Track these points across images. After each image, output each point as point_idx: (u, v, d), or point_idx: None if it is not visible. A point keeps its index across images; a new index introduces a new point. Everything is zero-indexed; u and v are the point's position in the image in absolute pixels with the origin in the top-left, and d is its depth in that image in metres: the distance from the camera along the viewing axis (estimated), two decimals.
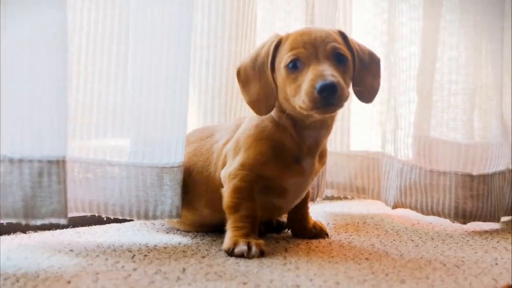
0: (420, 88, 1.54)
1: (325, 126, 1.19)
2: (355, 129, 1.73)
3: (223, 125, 1.34)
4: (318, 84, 1.05)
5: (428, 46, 1.53)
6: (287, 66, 1.12)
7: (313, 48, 1.11)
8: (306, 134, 1.18)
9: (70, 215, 1.32)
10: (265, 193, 1.19)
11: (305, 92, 1.07)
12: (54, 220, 1.05)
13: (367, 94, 1.20)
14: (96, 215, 1.24)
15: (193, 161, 1.26)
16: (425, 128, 1.54)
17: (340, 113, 1.67)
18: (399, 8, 1.57)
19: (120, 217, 1.23)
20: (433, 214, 1.49)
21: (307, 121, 1.16)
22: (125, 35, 1.23)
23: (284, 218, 1.37)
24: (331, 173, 1.68)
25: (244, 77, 1.19)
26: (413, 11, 1.55)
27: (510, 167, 1.58)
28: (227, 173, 1.18)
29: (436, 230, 1.43)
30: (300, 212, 1.31)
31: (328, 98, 1.05)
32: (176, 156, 1.22)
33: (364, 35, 1.71)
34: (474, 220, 1.47)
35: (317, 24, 1.54)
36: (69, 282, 0.92)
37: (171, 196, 1.21)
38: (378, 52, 1.63)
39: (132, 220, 1.37)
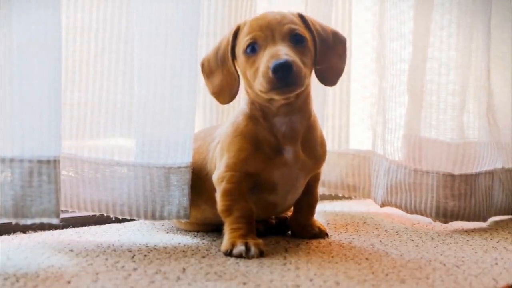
0: (411, 87, 1.54)
1: (297, 111, 1.17)
2: (348, 128, 1.73)
3: (222, 124, 1.34)
4: (272, 64, 1.05)
5: (419, 45, 1.53)
6: (245, 50, 1.13)
7: (270, 31, 1.12)
8: (278, 122, 1.17)
9: (71, 215, 1.33)
10: (256, 190, 1.19)
11: (261, 74, 1.08)
12: (45, 220, 1.05)
13: (330, 75, 1.20)
14: (98, 214, 1.24)
15: (195, 159, 1.26)
16: (415, 128, 1.54)
17: (331, 112, 1.68)
18: (391, 9, 1.57)
19: (128, 217, 1.24)
20: (417, 213, 1.50)
21: (273, 107, 1.16)
22: (132, 34, 1.24)
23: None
24: (323, 171, 1.67)
25: (208, 69, 1.21)
26: (405, 13, 1.55)
27: (506, 167, 1.58)
28: (216, 177, 1.19)
29: (436, 230, 1.43)
30: (303, 214, 1.30)
31: (284, 78, 1.05)
32: (184, 156, 1.22)
33: (363, 34, 1.72)
34: (456, 219, 1.47)
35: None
36: (69, 282, 0.92)
37: (178, 197, 1.22)
38: (376, 51, 1.64)
39: (133, 220, 1.37)
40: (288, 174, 1.19)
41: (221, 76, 1.19)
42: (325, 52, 1.18)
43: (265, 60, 1.08)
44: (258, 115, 1.18)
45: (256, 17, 1.16)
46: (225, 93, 1.19)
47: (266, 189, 1.20)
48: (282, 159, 1.17)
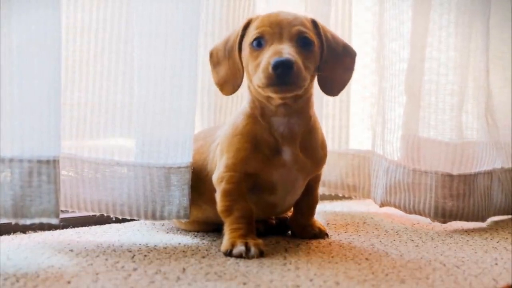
0: (409, 87, 1.54)
1: (295, 114, 1.17)
2: (348, 128, 1.73)
3: (224, 124, 1.34)
4: (273, 60, 1.06)
5: (417, 45, 1.53)
6: (251, 43, 1.13)
7: (279, 28, 1.12)
8: (276, 121, 1.17)
9: (71, 215, 1.33)
10: (256, 191, 1.19)
11: (262, 69, 1.08)
12: (44, 220, 1.05)
13: (334, 85, 1.21)
14: (98, 214, 1.24)
15: (196, 159, 1.27)
16: (413, 128, 1.54)
17: (331, 111, 1.68)
18: (390, 9, 1.56)
19: (128, 217, 1.24)
20: (415, 213, 1.50)
21: (271, 106, 1.16)
22: (132, 34, 1.24)
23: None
24: (323, 171, 1.67)
25: (216, 59, 1.22)
26: (405, 13, 1.55)
27: (505, 167, 1.59)
28: (216, 177, 1.19)
29: (436, 230, 1.43)
30: (304, 215, 1.30)
31: (282, 76, 1.06)
32: (184, 156, 1.22)
33: (363, 34, 1.71)
34: (454, 219, 1.47)
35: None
36: (69, 282, 0.92)
37: (178, 197, 1.22)
38: (376, 51, 1.64)
39: (133, 220, 1.37)
40: (287, 175, 1.19)
41: (227, 67, 1.19)
42: (331, 62, 1.18)
43: (268, 55, 1.09)
44: (257, 113, 1.18)
45: (269, 14, 1.16)
46: (229, 84, 1.20)
47: (266, 190, 1.20)
48: (281, 160, 1.17)
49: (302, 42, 1.13)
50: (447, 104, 1.52)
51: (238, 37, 1.17)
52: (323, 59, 1.17)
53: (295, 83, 1.08)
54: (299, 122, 1.18)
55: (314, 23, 1.18)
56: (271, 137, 1.17)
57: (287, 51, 1.08)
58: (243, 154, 1.17)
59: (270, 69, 1.06)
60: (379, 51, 1.61)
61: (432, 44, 1.53)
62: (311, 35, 1.14)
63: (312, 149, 1.21)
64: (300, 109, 1.18)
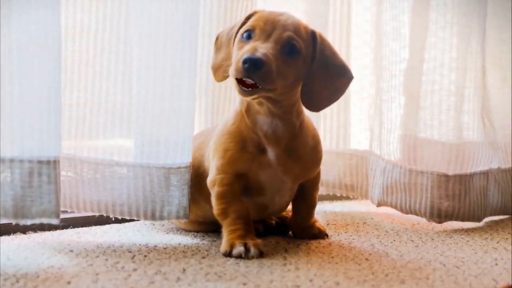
0: (408, 88, 1.54)
1: (278, 117, 1.16)
2: (346, 128, 1.73)
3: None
4: (246, 55, 1.05)
5: (416, 46, 1.53)
6: (242, 34, 1.13)
7: (271, 28, 1.11)
8: (260, 120, 1.16)
9: (71, 215, 1.33)
10: (246, 192, 1.19)
11: (235, 60, 1.08)
12: (45, 220, 1.05)
13: (316, 101, 1.18)
14: (98, 214, 1.24)
15: (196, 155, 1.27)
16: (411, 128, 1.54)
17: (330, 111, 1.68)
18: (387, 9, 1.56)
19: (128, 217, 1.24)
20: (411, 213, 1.50)
21: (255, 103, 1.15)
22: (131, 34, 1.23)
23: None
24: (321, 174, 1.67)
25: (219, 43, 1.22)
26: (404, 13, 1.54)
27: (503, 167, 1.59)
28: (209, 181, 1.19)
29: (436, 231, 1.43)
30: (303, 216, 1.30)
31: (249, 72, 1.05)
32: (183, 156, 1.22)
33: (362, 34, 1.71)
34: (450, 219, 1.48)
35: (309, 19, 1.54)
36: (69, 282, 0.92)
37: (178, 197, 1.22)
38: (375, 52, 1.64)
39: (133, 220, 1.37)
40: (273, 175, 1.18)
41: (224, 54, 1.20)
42: (321, 77, 1.16)
43: (245, 49, 1.08)
44: (244, 110, 1.18)
45: (271, 11, 1.16)
46: (219, 71, 1.20)
47: (255, 190, 1.20)
48: (266, 159, 1.17)
49: (288, 48, 1.11)
50: (445, 105, 1.53)
51: (238, 26, 1.17)
52: (312, 73, 1.15)
53: (260, 85, 1.06)
54: (282, 126, 1.17)
55: (313, 35, 1.16)
56: (255, 135, 1.17)
57: (263, 51, 1.06)
58: (229, 154, 1.17)
59: (240, 62, 1.06)
60: (377, 52, 1.61)
61: (431, 45, 1.53)
62: (301, 44, 1.12)
63: (300, 155, 1.20)
64: (282, 115, 1.16)
